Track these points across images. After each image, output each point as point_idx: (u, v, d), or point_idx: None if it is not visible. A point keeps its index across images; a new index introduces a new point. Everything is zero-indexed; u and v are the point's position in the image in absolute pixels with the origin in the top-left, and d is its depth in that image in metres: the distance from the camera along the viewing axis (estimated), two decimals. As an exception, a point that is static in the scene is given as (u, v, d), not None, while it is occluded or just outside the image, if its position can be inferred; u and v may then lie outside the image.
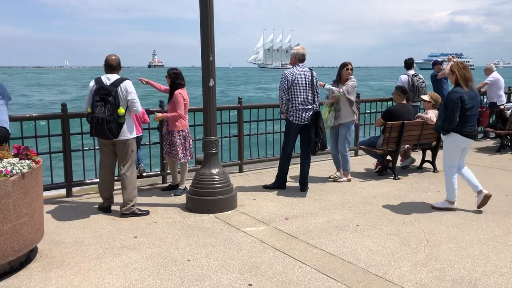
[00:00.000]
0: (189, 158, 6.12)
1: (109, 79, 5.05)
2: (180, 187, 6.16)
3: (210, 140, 5.45)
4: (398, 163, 7.39)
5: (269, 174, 7.08)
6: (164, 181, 6.77)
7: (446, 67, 8.88)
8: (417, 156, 7.83)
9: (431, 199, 5.81)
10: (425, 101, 7.53)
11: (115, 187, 5.57)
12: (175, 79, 5.97)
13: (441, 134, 5.42)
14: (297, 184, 6.39)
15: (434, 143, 7.46)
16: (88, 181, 6.28)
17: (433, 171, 7.35)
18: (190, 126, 6.29)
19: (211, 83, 5.32)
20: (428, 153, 7.63)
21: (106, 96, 4.89)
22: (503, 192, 6.16)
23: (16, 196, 3.57)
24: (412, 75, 8.87)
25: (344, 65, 6.71)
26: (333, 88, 6.59)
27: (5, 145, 4.02)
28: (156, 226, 4.89)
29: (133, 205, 5.24)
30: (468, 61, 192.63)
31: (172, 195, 6.10)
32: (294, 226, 4.87)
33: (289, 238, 4.55)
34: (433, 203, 5.59)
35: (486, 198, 5.35)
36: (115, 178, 5.51)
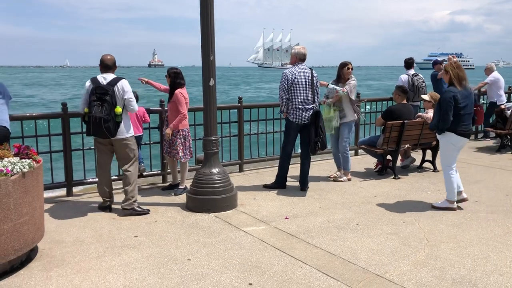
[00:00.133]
0: (189, 157, 6.13)
1: (105, 78, 5.08)
2: (180, 187, 6.17)
3: (210, 140, 5.45)
4: (398, 163, 7.39)
5: (269, 174, 7.09)
6: (164, 180, 6.77)
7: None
8: (417, 155, 7.84)
9: (431, 199, 5.82)
10: (425, 100, 7.53)
11: (114, 187, 5.57)
12: (175, 78, 5.98)
13: (436, 134, 5.46)
14: (297, 184, 6.40)
15: (434, 142, 7.45)
16: (88, 181, 6.28)
17: (433, 171, 7.36)
18: (190, 125, 6.30)
19: (211, 83, 5.32)
20: (428, 153, 7.64)
21: (103, 96, 4.91)
22: (503, 191, 6.16)
23: (16, 195, 3.58)
24: (412, 74, 8.87)
25: (344, 65, 6.70)
26: (337, 87, 6.59)
27: (5, 144, 4.03)
28: (157, 225, 4.90)
29: (134, 201, 5.28)
30: (468, 61, 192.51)
31: (173, 194, 6.10)
32: (294, 226, 4.88)
33: (289, 237, 4.56)
34: (433, 202, 5.59)
35: (463, 200, 5.51)
36: (116, 177, 5.51)
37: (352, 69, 6.75)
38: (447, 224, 4.92)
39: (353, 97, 6.65)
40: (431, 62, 10.53)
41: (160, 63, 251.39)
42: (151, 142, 6.80)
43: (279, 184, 6.36)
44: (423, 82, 8.88)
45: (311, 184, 6.42)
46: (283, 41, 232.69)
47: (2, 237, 3.52)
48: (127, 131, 5.20)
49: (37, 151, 4.64)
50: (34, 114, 6.07)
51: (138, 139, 6.17)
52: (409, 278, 3.65)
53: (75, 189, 6.23)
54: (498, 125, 9.30)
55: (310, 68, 6.14)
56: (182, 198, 5.82)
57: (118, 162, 5.42)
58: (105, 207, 5.40)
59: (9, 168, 3.56)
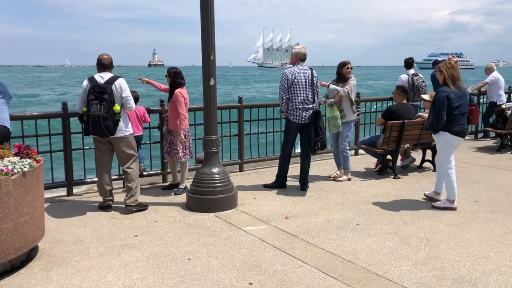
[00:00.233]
0: (189, 157, 6.13)
1: (102, 77, 5.10)
2: (180, 186, 6.17)
3: (210, 139, 5.45)
4: (398, 163, 7.40)
5: (270, 173, 7.09)
6: (164, 180, 6.78)
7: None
8: (417, 155, 7.85)
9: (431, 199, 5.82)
10: (425, 100, 7.53)
11: (114, 187, 5.57)
12: (175, 78, 5.98)
13: (432, 134, 5.49)
14: (297, 183, 6.40)
15: (434, 142, 7.45)
16: (88, 180, 6.28)
17: (433, 171, 7.35)
18: (190, 125, 6.30)
19: (211, 82, 5.33)
20: (428, 153, 7.64)
21: (101, 94, 4.93)
22: (503, 191, 6.17)
23: (17, 195, 3.58)
24: (412, 74, 8.87)
25: (344, 64, 6.71)
26: (338, 88, 6.60)
27: (6, 144, 4.03)
28: (157, 225, 4.90)
29: (137, 198, 5.31)
30: (468, 61, 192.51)
31: (173, 194, 6.10)
32: (294, 225, 4.88)
33: (289, 237, 4.56)
34: (433, 202, 5.60)
35: (435, 200, 5.60)
36: (116, 176, 5.52)
37: (351, 68, 6.76)
38: (447, 223, 4.93)
39: (353, 97, 6.67)
40: (431, 62, 10.52)
41: (160, 63, 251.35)
42: (151, 142, 6.81)
43: (279, 184, 6.37)
44: (423, 82, 8.88)
45: (311, 184, 6.43)
46: (283, 41, 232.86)
47: (2, 236, 3.52)
48: (126, 129, 5.23)
49: (38, 150, 4.64)
50: (34, 113, 6.06)
51: (138, 139, 6.18)
52: (409, 277, 3.65)
53: (76, 189, 6.23)
54: (498, 125, 9.30)
55: (310, 68, 6.14)
56: (182, 198, 5.82)
57: (118, 160, 5.44)
58: (105, 206, 5.40)
59: (10, 167, 3.57)
